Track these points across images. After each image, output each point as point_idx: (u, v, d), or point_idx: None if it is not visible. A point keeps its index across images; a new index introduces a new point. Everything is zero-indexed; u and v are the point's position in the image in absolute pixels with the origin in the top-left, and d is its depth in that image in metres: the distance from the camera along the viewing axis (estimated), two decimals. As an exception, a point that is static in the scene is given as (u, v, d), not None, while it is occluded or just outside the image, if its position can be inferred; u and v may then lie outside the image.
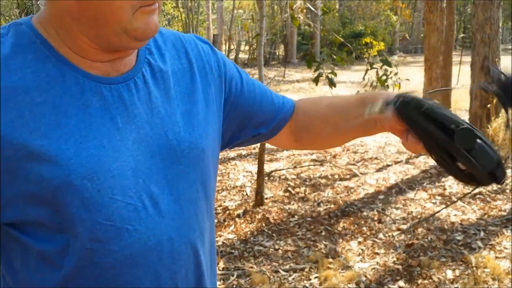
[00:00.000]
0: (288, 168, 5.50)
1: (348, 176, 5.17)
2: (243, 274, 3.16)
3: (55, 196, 0.69)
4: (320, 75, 4.24)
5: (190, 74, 0.87)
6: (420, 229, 3.73)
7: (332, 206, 4.30)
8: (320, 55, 4.43)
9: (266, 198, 4.43)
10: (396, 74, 5.75)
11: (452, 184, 4.68)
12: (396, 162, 5.62)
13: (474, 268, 3.11)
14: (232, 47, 21.19)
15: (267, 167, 5.26)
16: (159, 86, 0.81)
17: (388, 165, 5.53)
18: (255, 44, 15.30)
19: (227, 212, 4.21)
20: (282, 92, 10.75)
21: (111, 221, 0.72)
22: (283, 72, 15.93)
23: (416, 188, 4.69)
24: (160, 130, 0.79)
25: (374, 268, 3.20)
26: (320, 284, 3.02)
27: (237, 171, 5.48)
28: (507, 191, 4.50)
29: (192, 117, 0.84)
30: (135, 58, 0.81)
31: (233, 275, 3.14)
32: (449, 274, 3.08)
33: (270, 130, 1.02)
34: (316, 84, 4.31)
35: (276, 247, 3.53)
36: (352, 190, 4.71)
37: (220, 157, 0.99)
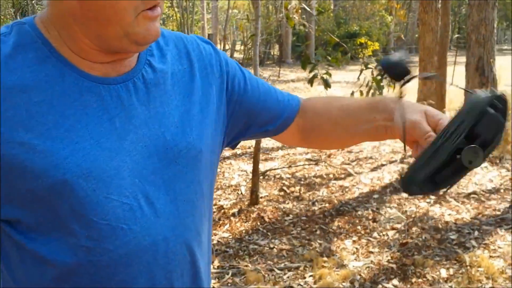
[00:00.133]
0: (283, 167, 5.51)
1: (343, 176, 5.18)
2: (238, 272, 3.17)
3: (50, 195, 0.70)
4: (315, 76, 4.24)
5: (190, 75, 0.87)
6: (414, 228, 3.75)
7: (327, 205, 4.31)
8: (315, 56, 4.42)
9: (261, 197, 4.44)
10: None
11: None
12: (391, 162, 5.64)
13: (468, 267, 3.13)
14: (227, 46, 21.18)
15: (262, 166, 5.27)
16: (159, 87, 0.81)
17: (382, 165, 5.54)
18: (250, 44, 15.30)
19: (222, 211, 4.21)
20: (277, 91, 10.71)
21: (106, 220, 0.73)
22: (278, 72, 15.94)
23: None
24: (157, 130, 0.79)
25: (368, 267, 3.21)
26: (315, 283, 3.03)
27: (232, 170, 5.48)
28: (502, 190, 4.52)
29: (190, 118, 0.84)
30: (136, 59, 0.81)
31: (228, 274, 3.14)
32: (443, 273, 3.09)
33: (276, 127, 1.01)
34: (311, 85, 4.31)
35: (271, 245, 3.54)
36: (346, 190, 4.72)
37: (216, 156, 0.99)
